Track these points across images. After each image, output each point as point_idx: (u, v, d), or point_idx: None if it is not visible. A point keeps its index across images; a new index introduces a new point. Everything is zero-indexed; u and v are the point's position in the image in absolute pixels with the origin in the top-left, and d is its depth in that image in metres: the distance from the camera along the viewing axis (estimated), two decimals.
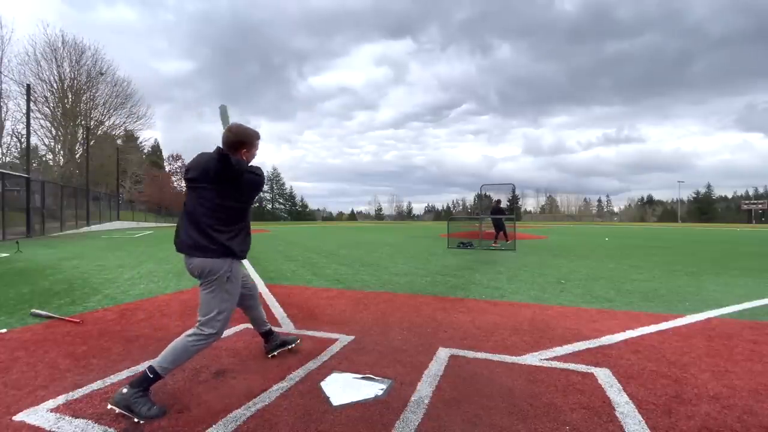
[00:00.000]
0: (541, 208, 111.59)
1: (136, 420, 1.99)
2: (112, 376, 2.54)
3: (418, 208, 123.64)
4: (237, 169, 2.17)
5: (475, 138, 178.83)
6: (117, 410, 2.04)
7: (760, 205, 76.76)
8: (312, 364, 2.74)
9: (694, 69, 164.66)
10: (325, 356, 2.90)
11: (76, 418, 2.04)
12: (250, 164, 2.37)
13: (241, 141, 2.31)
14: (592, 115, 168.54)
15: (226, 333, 3.44)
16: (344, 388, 2.37)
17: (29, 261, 8.84)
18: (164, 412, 2.07)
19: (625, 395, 2.29)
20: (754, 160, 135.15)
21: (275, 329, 3.58)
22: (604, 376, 2.55)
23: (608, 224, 66.17)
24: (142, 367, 2.68)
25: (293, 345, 2.94)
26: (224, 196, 2.23)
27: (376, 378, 2.52)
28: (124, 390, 2.07)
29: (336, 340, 3.28)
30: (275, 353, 2.86)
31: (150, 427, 1.95)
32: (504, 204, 14.57)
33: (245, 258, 2.44)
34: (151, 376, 2.12)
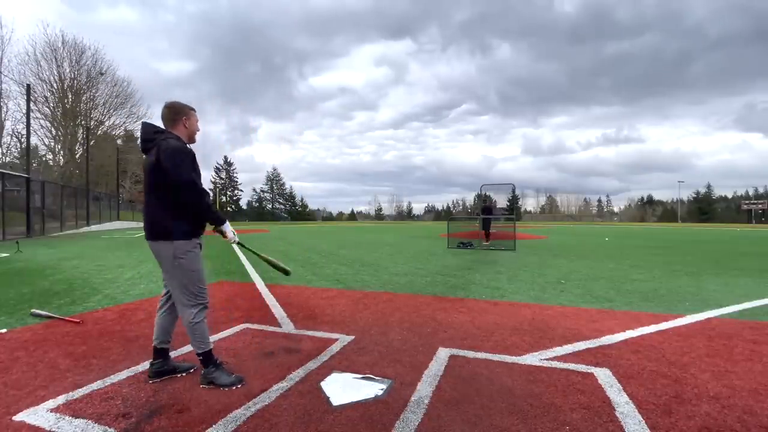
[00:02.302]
0: (541, 208, 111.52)
1: (221, 388, 2.34)
2: (112, 376, 2.54)
3: (418, 208, 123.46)
4: None
5: (474, 138, 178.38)
6: (206, 387, 2.37)
7: (760, 205, 76.70)
8: (312, 364, 2.74)
9: (692, 69, 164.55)
10: (325, 356, 2.90)
11: (76, 418, 2.04)
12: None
13: (176, 113, 2.50)
14: (592, 116, 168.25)
15: (227, 333, 3.45)
16: (344, 388, 2.37)
17: (29, 261, 8.84)
18: (241, 379, 2.41)
19: (625, 395, 2.29)
20: (754, 160, 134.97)
21: (274, 329, 3.60)
22: (604, 376, 2.56)
23: (608, 224, 66.15)
24: (142, 367, 2.69)
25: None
26: None
27: (376, 378, 2.52)
28: (202, 370, 2.42)
29: (336, 340, 3.28)
30: (157, 380, 2.46)
31: (150, 427, 1.95)
32: (500, 204, 14.76)
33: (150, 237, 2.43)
34: (201, 357, 2.43)
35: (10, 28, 40.81)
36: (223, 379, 2.38)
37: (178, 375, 2.55)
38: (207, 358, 2.42)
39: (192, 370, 2.60)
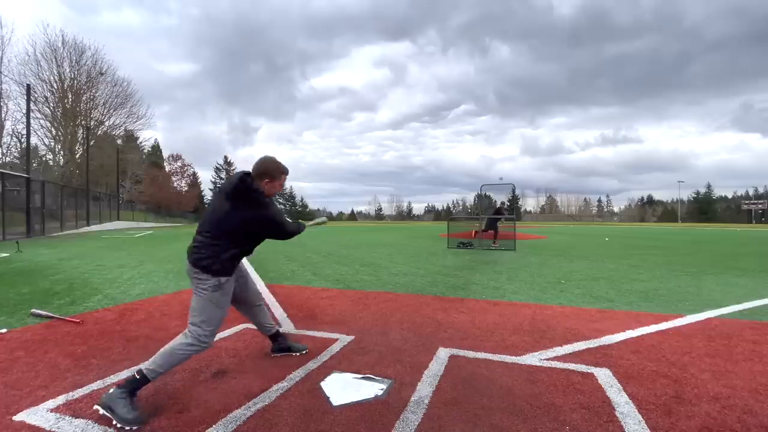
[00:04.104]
0: (541, 208, 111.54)
1: (114, 422, 1.95)
2: (112, 376, 2.54)
3: (418, 208, 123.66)
4: (246, 189, 2.30)
5: (473, 138, 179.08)
6: (101, 411, 2.01)
7: (760, 205, 76.81)
8: (312, 364, 2.74)
9: (690, 71, 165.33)
10: (325, 356, 2.90)
11: (76, 418, 2.04)
12: (269, 197, 2.49)
13: (264, 171, 2.43)
14: (590, 116, 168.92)
15: (227, 333, 3.45)
16: (344, 388, 2.37)
17: (29, 261, 8.84)
18: (141, 421, 1.96)
19: (625, 395, 2.29)
20: (752, 161, 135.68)
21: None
22: (604, 376, 2.55)
23: (608, 224, 66.14)
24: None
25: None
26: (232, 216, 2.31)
27: (376, 378, 2.52)
28: (111, 390, 2.07)
29: (336, 340, 3.28)
30: (279, 354, 2.90)
31: (150, 426, 1.95)
32: (501, 205, 15.02)
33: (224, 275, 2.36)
34: (138, 377, 2.11)
35: (10, 29, 40.61)
36: (123, 411, 1.96)
37: (293, 354, 2.86)
38: (137, 381, 2.10)
39: (305, 352, 2.91)
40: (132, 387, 2.08)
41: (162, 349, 2.20)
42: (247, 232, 2.37)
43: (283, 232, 2.48)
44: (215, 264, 2.27)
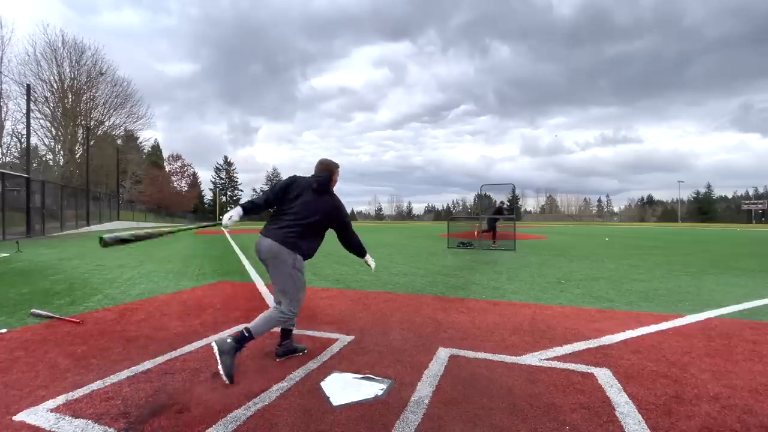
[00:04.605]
0: (541, 208, 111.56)
1: (219, 367, 2.42)
2: (111, 376, 2.54)
3: (418, 208, 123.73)
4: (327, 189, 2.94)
5: (473, 138, 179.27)
6: (215, 349, 2.45)
7: (760, 205, 76.87)
8: (312, 364, 2.74)
9: (689, 71, 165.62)
10: (325, 356, 2.90)
11: (76, 418, 2.04)
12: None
13: (326, 168, 3.01)
14: (589, 116, 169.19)
15: (226, 333, 3.44)
16: (344, 388, 2.37)
17: (29, 261, 8.84)
18: (232, 380, 2.42)
19: (625, 395, 2.29)
20: (752, 161, 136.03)
21: (274, 329, 3.60)
22: (604, 376, 2.55)
23: (608, 224, 66.16)
24: (142, 367, 2.69)
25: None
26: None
27: (376, 378, 2.52)
28: (228, 339, 2.52)
29: (336, 340, 3.28)
30: (283, 358, 2.87)
31: (150, 426, 1.95)
32: (501, 204, 15.03)
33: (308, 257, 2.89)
34: (246, 335, 2.57)
35: (10, 29, 40.58)
36: (227, 363, 2.44)
37: (296, 354, 2.94)
38: (246, 338, 2.59)
39: (306, 351, 2.99)
40: (241, 343, 2.55)
41: (262, 315, 2.74)
42: (326, 218, 2.87)
43: (347, 224, 3.01)
44: (302, 246, 2.78)
